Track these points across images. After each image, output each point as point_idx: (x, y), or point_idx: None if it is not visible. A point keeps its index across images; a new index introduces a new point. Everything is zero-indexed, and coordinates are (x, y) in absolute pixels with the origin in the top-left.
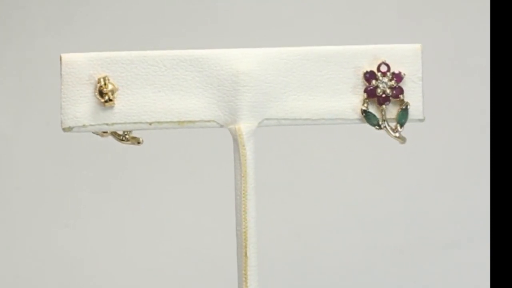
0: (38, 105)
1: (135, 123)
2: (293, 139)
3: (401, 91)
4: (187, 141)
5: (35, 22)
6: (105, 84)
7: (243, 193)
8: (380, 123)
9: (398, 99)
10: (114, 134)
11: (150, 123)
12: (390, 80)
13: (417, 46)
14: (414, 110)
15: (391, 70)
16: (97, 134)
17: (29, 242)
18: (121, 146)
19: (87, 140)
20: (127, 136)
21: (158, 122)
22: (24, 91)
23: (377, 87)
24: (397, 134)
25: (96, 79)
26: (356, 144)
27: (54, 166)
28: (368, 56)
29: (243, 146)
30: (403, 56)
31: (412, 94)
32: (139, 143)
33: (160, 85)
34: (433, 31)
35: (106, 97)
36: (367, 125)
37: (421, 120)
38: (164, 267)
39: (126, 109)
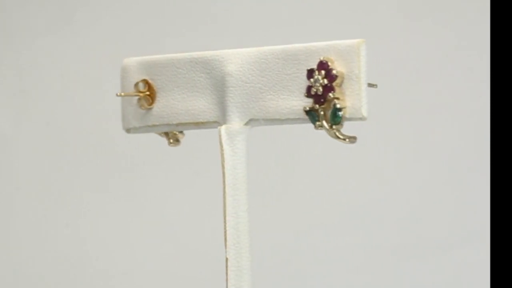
0: (38, 105)
1: (166, 124)
2: (292, 139)
3: (330, 89)
4: (187, 141)
5: (35, 22)
6: (145, 87)
7: (223, 194)
8: (318, 123)
9: (328, 98)
10: (165, 135)
11: (177, 125)
12: (323, 78)
13: (356, 41)
14: (352, 109)
15: (329, 68)
16: (161, 136)
17: (29, 242)
18: (121, 146)
19: (87, 140)
20: (171, 140)
21: (182, 124)
22: (24, 91)
23: (312, 86)
24: (337, 134)
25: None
26: (355, 144)
27: (54, 166)
28: (317, 54)
29: (222, 146)
30: (344, 53)
31: (351, 93)
32: (177, 141)
33: (183, 86)
34: (433, 31)
35: (142, 101)
36: (367, 126)
37: (362, 119)
38: (164, 267)
39: (160, 111)
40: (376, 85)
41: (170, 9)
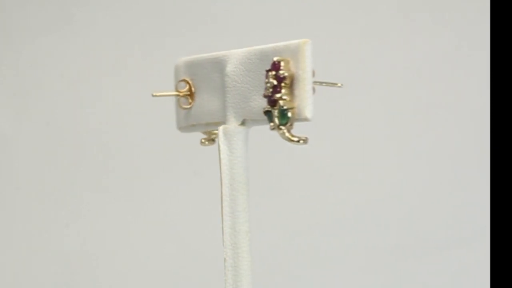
0: (38, 105)
1: (200, 124)
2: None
3: (277, 90)
4: (188, 141)
5: (35, 22)
6: (186, 86)
7: (220, 194)
8: (271, 124)
9: (276, 98)
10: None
11: (205, 124)
12: (273, 79)
13: (301, 42)
14: (298, 110)
15: (280, 69)
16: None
17: (29, 242)
18: (121, 146)
19: (87, 140)
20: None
21: (206, 124)
22: (24, 91)
23: (265, 88)
24: (286, 135)
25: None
26: (355, 144)
27: (54, 166)
28: (279, 54)
29: (219, 146)
30: (295, 53)
31: (298, 93)
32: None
33: (207, 86)
34: (432, 31)
35: (181, 100)
36: (368, 126)
37: (306, 120)
38: (164, 267)
39: (195, 111)
40: (339, 84)
41: (170, 9)
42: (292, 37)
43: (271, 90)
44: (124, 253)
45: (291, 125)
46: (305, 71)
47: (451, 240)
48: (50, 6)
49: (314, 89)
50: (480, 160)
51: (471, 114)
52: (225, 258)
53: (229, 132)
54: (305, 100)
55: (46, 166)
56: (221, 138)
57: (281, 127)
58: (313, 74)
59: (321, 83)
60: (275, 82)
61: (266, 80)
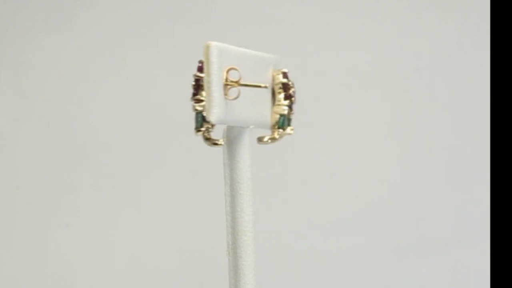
0: (38, 105)
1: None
2: (294, 139)
3: (192, 94)
4: (188, 140)
5: (35, 22)
6: (238, 76)
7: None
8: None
9: (192, 100)
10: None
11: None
12: (194, 81)
13: (205, 45)
14: (206, 113)
15: (198, 71)
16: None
17: (29, 242)
18: (120, 146)
19: (87, 140)
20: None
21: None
22: (24, 91)
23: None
24: (203, 137)
25: None
26: (356, 144)
27: (54, 166)
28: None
29: (224, 146)
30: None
31: (205, 96)
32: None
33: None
34: (432, 31)
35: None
36: (368, 126)
37: (211, 123)
38: (164, 267)
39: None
40: (263, 85)
41: (170, 9)
42: (292, 37)
43: (192, 92)
44: (124, 253)
45: (206, 128)
46: (208, 75)
47: (451, 240)
48: (50, 6)
49: (239, 92)
50: (480, 160)
51: (472, 114)
52: (228, 258)
53: (231, 132)
54: (209, 103)
55: (46, 166)
56: (224, 138)
57: (197, 130)
58: (239, 77)
59: (246, 85)
60: (193, 83)
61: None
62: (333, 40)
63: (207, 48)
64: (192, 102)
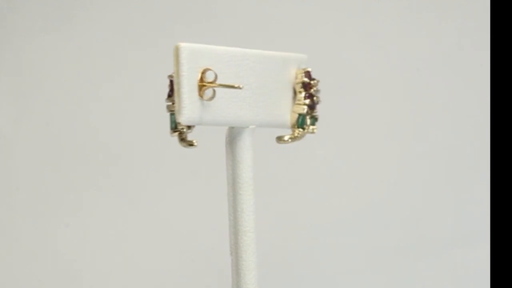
0: (38, 105)
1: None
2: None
3: (167, 94)
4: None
5: (35, 22)
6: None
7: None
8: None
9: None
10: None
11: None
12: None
13: (175, 46)
14: (176, 114)
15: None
16: None
17: (29, 242)
18: (120, 146)
19: (87, 140)
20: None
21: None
22: (24, 91)
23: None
24: (180, 141)
25: None
26: (356, 144)
27: (54, 166)
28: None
29: (226, 146)
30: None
31: (175, 98)
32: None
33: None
34: (432, 31)
35: (206, 91)
36: (368, 126)
37: (181, 125)
38: (164, 267)
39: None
40: (236, 85)
41: (170, 9)
42: (292, 37)
43: (167, 93)
44: (124, 253)
45: (180, 129)
46: (177, 76)
47: (451, 240)
48: (50, 6)
49: (213, 93)
50: (480, 160)
51: (472, 114)
52: (231, 258)
53: (233, 132)
54: (178, 104)
55: (46, 166)
56: (226, 138)
57: (173, 131)
58: (215, 78)
59: (220, 85)
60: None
61: (313, 89)
62: (333, 40)
63: (176, 50)
64: (167, 103)
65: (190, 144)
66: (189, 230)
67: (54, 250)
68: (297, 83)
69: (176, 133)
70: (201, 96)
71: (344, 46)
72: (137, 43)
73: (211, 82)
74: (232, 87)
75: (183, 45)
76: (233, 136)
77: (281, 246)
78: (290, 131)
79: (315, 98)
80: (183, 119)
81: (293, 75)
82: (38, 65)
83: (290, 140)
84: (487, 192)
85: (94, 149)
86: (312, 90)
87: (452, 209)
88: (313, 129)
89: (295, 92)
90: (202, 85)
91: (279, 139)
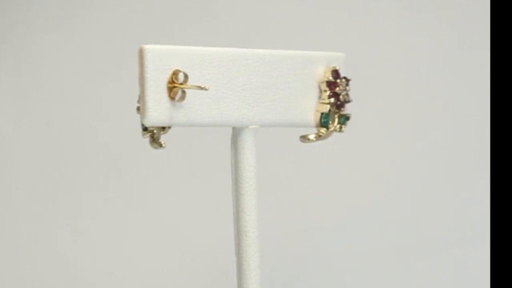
0: (38, 105)
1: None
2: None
3: (349, 95)
4: (189, 140)
5: (35, 22)
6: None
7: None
8: (329, 126)
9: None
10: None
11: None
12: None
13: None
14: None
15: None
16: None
17: (29, 242)
18: (121, 146)
19: (87, 140)
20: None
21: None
22: (24, 91)
23: (339, 93)
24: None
25: None
26: (356, 144)
27: (54, 166)
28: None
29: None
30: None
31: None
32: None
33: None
34: (432, 31)
35: (177, 93)
36: (368, 126)
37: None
38: (165, 268)
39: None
40: (202, 86)
41: (170, 9)
42: (291, 37)
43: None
44: (125, 254)
45: (149, 131)
46: (141, 78)
47: (451, 240)
48: (50, 6)
49: (183, 94)
50: (480, 160)
51: (472, 114)
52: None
53: (236, 131)
54: (141, 106)
55: (46, 166)
56: (231, 138)
57: (144, 131)
58: (185, 79)
59: (190, 87)
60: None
61: (338, 88)
62: (333, 40)
63: (140, 52)
64: (137, 105)
65: (160, 145)
66: (189, 230)
67: (54, 250)
68: (322, 82)
69: (148, 134)
70: (171, 97)
71: (344, 46)
72: (137, 43)
73: (181, 84)
74: (199, 88)
75: (147, 47)
76: (235, 135)
77: (282, 246)
78: (315, 130)
79: (341, 96)
80: (146, 120)
81: (321, 73)
82: (38, 65)
83: (314, 139)
84: (487, 192)
85: (94, 149)
86: (337, 89)
87: (452, 209)
88: (340, 127)
89: (321, 91)
90: (172, 87)
91: (304, 138)
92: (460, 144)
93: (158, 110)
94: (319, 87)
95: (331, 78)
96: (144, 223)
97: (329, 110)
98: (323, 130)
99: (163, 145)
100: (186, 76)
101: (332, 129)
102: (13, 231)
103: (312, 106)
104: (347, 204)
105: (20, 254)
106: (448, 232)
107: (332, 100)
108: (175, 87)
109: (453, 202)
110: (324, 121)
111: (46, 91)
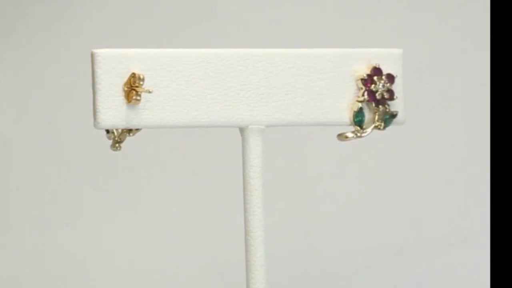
0: (38, 105)
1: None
2: (296, 139)
3: (393, 93)
4: (188, 140)
5: (36, 21)
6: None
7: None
8: (364, 126)
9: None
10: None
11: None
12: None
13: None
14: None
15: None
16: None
17: (29, 242)
18: (121, 146)
19: (88, 140)
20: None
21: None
22: (24, 91)
23: (376, 90)
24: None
25: None
26: (355, 144)
27: (54, 166)
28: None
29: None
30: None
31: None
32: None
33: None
34: (432, 31)
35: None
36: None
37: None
38: (166, 268)
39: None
40: (146, 89)
41: (170, 9)
42: (291, 37)
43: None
44: (124, 254)
45: (123, 132)
46: (93, 82)
47: (451, 240)
48: (50, 6)
49: (135, 95)
50: (480, 160)
51: (472, 114)
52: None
53: (241, 133)
54: (93, 109)
55: (46, 166)
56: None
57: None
58: (139, 81)
59: (142, 90)
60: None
61: (374, 85)
62: (333, 40)
63: (92, 56)
64: None
65: (116, 148)
66: (190, 230)
67: (54, 250)
68: (357, 80)
69: (112, 136)
70: (128, 100)
71: (344, 46)
72: (137, 43)
73: (137, 86)
74: (148, 91)
75: (98, 51)
76: (242, 136)
77: (282, 246)
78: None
79: (377, 94)
80: (95, 123)
81: (361, 70)
82: (38, 65)
83: (351, 137)
84: (487, 192)
85: (94, 149)
86: (373, 86)
87: (452, 209)
88: (379, 125)
89: (358, 89)
90: (132, 89)
91: (340, 136)
92: (460, 144)
93: (109, 113)
94: (356, 85)
95: (365, 75)
96: (144, 223)
97: (360, 108)
98: (357, 128)
99: (119, 148)
100: (140, 78)
101: (371, 127)
102: (13, 231)
103: (346, 104)
104: (347, 204)
105: (20, 254)
106: (448, 232)
107: (366, 97)
108: (134, 89)
109: (453, 202)
110: (357, 120)
111: (46, 91)
